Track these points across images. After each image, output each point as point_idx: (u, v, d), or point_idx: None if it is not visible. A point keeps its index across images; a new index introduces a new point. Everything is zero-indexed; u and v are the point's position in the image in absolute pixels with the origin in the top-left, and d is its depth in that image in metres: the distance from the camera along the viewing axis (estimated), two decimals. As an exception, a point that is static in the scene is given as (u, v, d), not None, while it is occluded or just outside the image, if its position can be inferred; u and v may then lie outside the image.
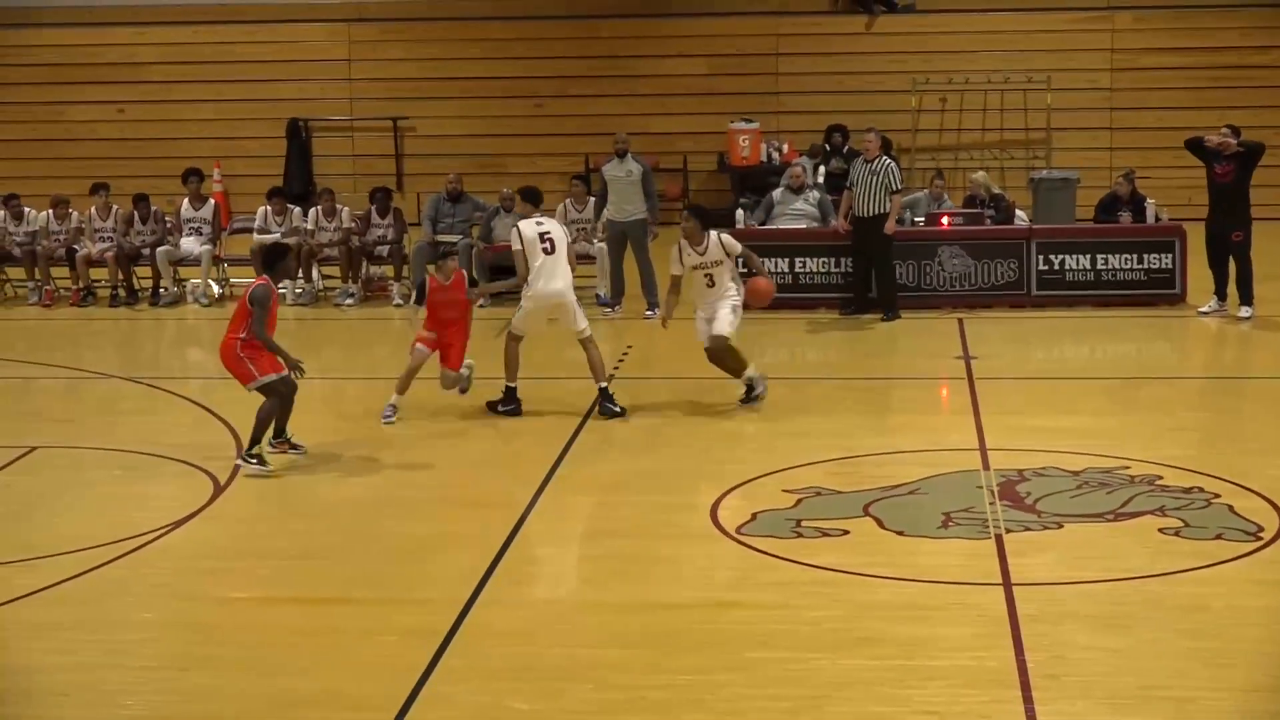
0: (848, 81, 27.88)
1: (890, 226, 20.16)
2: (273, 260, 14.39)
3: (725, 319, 15.98)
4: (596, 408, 15.86)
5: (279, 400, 14.12)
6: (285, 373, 14.16)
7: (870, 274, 20.42)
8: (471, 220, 22.11)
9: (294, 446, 14.43)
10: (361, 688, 9.77)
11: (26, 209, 22.72)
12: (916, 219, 21.50)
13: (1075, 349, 19.10)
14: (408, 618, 10.87)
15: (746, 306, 16.20)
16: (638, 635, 10.43)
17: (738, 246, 16.05)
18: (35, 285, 22.45)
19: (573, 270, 16.02)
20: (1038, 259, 20.77)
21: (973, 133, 27.91)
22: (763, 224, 21.52)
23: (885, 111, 26.90)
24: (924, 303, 20.67)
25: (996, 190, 22.31)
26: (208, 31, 28.72)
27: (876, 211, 20.17)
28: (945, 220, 21.20)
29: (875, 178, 20.15)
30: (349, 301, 21.73)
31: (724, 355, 16.11)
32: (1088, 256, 20.74)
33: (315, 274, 22.23)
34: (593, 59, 28.44)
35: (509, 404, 15.91)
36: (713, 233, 16.04)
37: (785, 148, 26.75)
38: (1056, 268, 20.77)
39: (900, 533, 12.27)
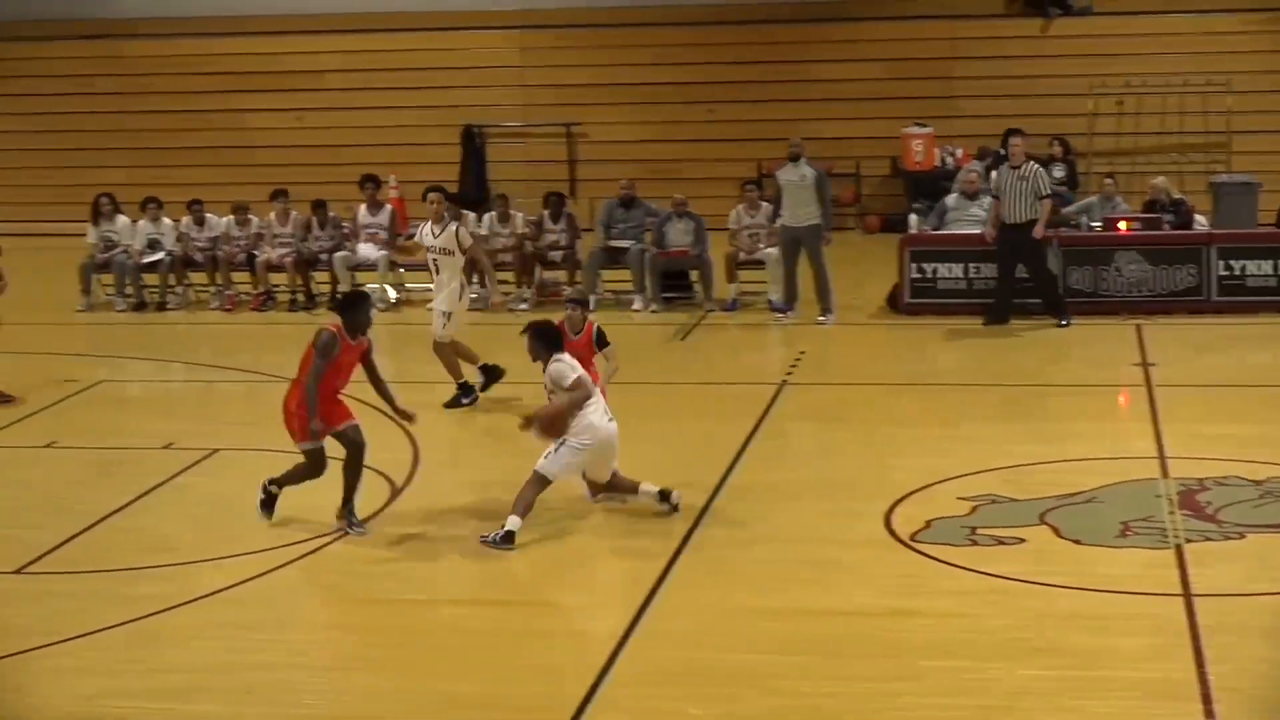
0: (1023, 85, 27.58)
1: (1039, 231, 19.88)
2: (345, 308, 13.01)
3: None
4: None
5: (313, 468, 12.87)
6: (347, 425, 12.87)
7: (1013, 283, 20.11)
8: (644, 225, 22.18)
9: (353, 524, 12.92)
10: (529, 691, 9.85)
11: (209, 215, 23.13)
12: (1093, 224, 21.24)
13: (1257, 356, 18.76)
14: (580, 621, 10.93)
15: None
16: (812, 641, 10.41)
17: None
18: (217, 290, 22.85)
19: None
20: (1218, 264, 20.43)
21: (1150, 137, 27.51)
22: (936, 229, 21.37)
23: (1061, 115, 26.59)
24: (1100, 309, 20.39)
25: (1177, 195, 21.97)
26: (384, 39, 29.06)
27: (1026, 218, 19.90)
28: (1123, 225, 20.91)
29: (1024, 183, 19.89)
30: (523, 306, 21.88)
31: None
32: (1270, 262, 20.35)
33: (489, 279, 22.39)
34: (766, 64, 28.40)
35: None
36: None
37: (959, 153, 26.54)
38: (1238, 273, 20.41)
39: (1078, 541, 12.13)
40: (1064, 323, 19.89)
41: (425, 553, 12.34)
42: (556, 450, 12.59)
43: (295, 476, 12.99)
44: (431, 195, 17.07)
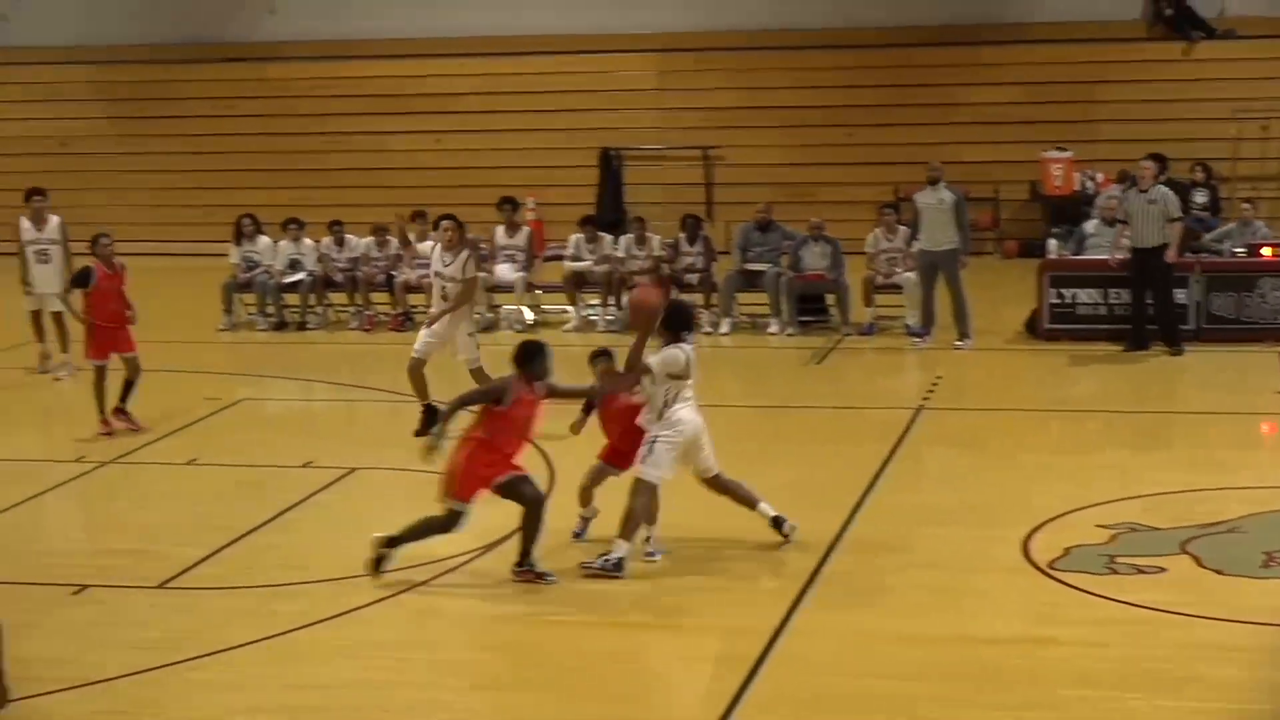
0: (1165, 110, 27.28)
1: (1172, 255, 19.61)
2: (523, 359, 12.29)
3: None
4: None
5: (449, 527, 12.22)
6: (513, 476, 12.24)
7: (1147, 308, 19.83)
8: (780, 249, 22.14)
9: (540, 575, 12.25)
10: (670, 714, 9.83)
11: (348, 236, 23.38)
12: (1236, 250, 20.94)
13: (1405, 385, 18.40)
14: (719, 644, 10.91)
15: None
16: (950, 668, 10.32)
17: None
18: (357, 310, 23.08)
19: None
20: (1364, 291, 20.09)
21: (1295, 161, 27.11)
22: (1075, 255, 21.15)
23: (1203, 140, 26.26)
24: (1243, 335, 20.09)
25: (1322, 221, 21.64)
26: (522, 62, 29.25)
27: (1156, 242, 19.62)
28: (1266, 251, 20.60)
29: (1153, 207, 19.62)
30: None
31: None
32: None
33: (625, 301, 22.46)
34: (905, 87, 28.29)
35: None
36: None
37: (1100, 177, 26.26)
38: (1382, 299, 20.07)
39: (1219, 571, 11.94)
40: (1177, 352, 19.59)
41: (563, 574, 12.34)
42: (651, 453, 12.35)
43: (421, 533, 12.42)
44: (445, 223, 16.90)
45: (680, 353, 12.40)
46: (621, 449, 12.82)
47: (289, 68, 29.94)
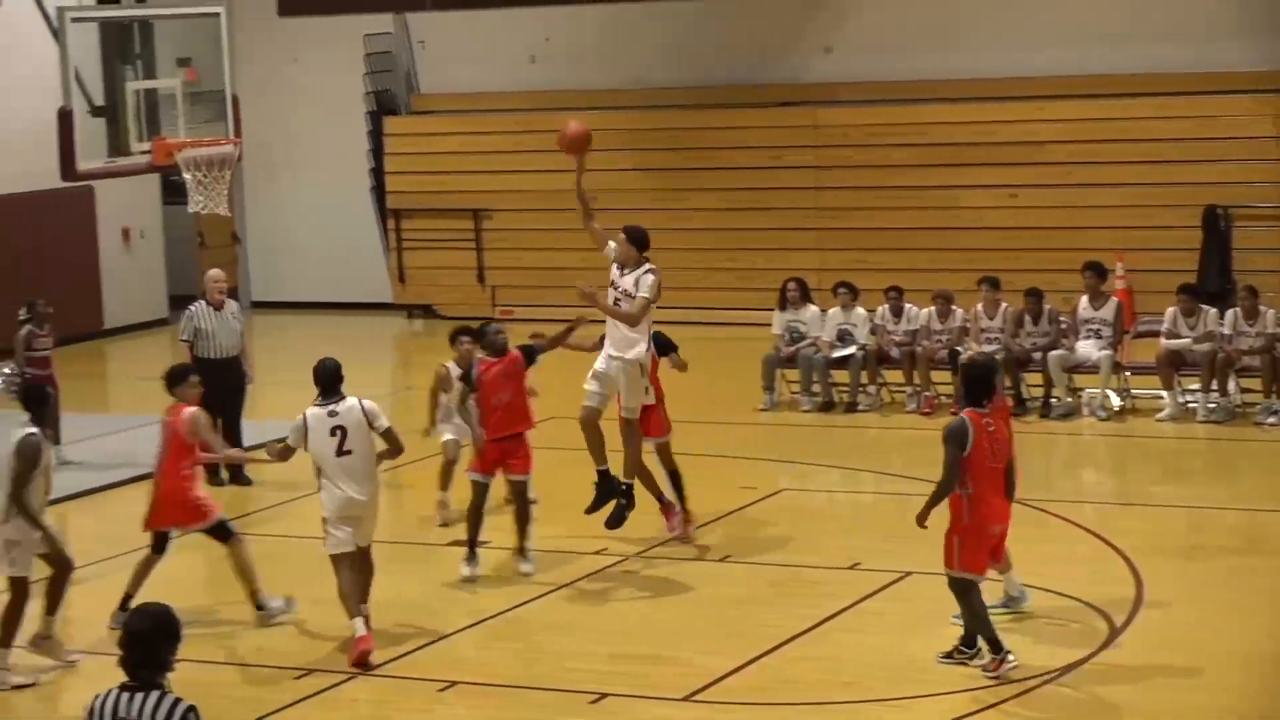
0: None
1: None
2: (969, 381, 13.60)
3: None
4: None
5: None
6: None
7: None
8: None
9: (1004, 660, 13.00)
10: None
11: (907, 305, 23.46)
12: None
13: None
14: None
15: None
16: None
17: None
18: (914, 390, 23.11)
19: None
20: None
21: None
22: None
23: None
24: None
25: None
26: (1114, 105, 28.90)
27: None
28: None
29: None
30: (1271, 420, 21.30)
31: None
32: None
33: (1232, 386, 21.93)
34: None
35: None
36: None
37: None
38: None
39: None
40: None
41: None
42: None
43: (983, 623, 13.06)
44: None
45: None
46: None
47: (844, 113, 30.29)
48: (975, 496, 12.94)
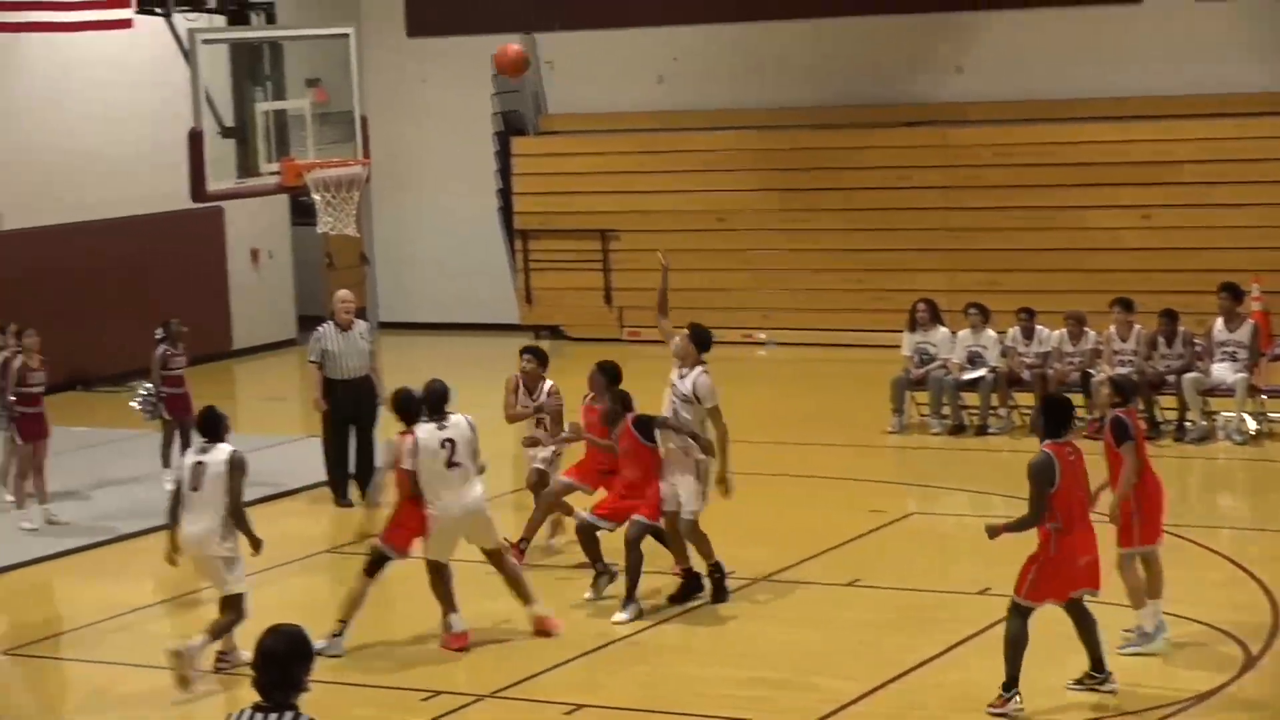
0: None
1: None
2: (1050, 413, 13.26)
3: None
4: None
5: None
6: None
7: None
8: None
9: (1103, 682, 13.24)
10: None
11: (1038, 326, 23.34)
12: None
13: None
14: None
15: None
16: None
17: None
18: (1045, 413, 22.98)
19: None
20: None
21: None
22: None
23: None
24: None
25: None
26: (1249, 124, 28.62)
27: None
28: None
29: None
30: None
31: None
32: None
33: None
34: None
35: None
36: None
37: None
38: None
39: None
40: None
41: None
42: None
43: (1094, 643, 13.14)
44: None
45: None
46: None
47: (974, 132, 30.16)
48: (1064, 530, 12.74)
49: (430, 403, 14.91)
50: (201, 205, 22.87)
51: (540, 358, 17.72)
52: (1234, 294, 22.91)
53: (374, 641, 15.09)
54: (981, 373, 23.21)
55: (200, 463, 14.37)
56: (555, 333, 32.33)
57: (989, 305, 23.93)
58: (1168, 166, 28.93)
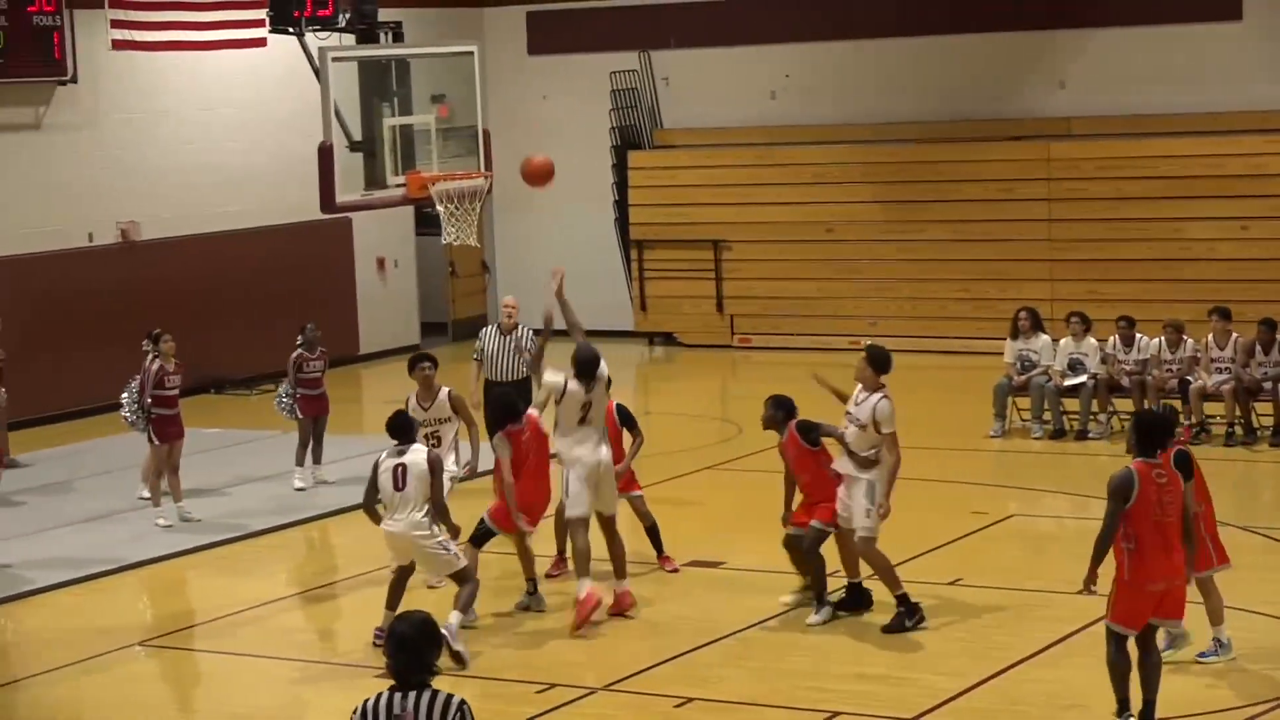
0: None
1: None
2: (1142, 431, 12.50)
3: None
4: None
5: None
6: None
7: None
8: None
9: None
10: None
11: (1138, 335, 23.21)
12: None
13: None
14: None
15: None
16: None
17: None
18: (1144, 419, 22.83)
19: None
20: None
21: None
22: None
23: None
24: None
25: None
26: (1347, 138, 28.40)
27: None
28: None
29: None
30: None
31: None
32: None
33: None
34: None
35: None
36: None
37: None
38: None
39: None
40: None
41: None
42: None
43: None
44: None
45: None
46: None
47: (1076, 146, 30.03)
48: (1137, 552, 12.12)
49: (579, 368, 15.74)
50: (330, 216, 23.09)
51: (436, 364, 17.59)
52: (1331, 306, 22.69)
53: (490, 634, 15.18)
54: (1082, 379, 23.10)
55: (401, 465, 14.64)
56: (669, 339, 32.41)
57: (1089, 314, 23.83)
58: (1264, 179, 28.68)
